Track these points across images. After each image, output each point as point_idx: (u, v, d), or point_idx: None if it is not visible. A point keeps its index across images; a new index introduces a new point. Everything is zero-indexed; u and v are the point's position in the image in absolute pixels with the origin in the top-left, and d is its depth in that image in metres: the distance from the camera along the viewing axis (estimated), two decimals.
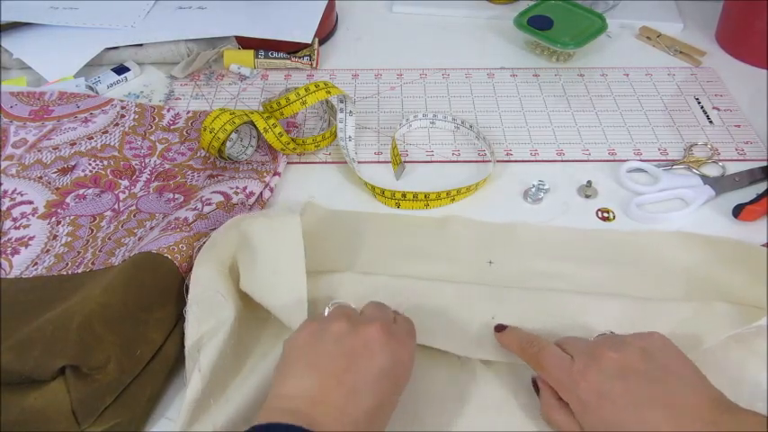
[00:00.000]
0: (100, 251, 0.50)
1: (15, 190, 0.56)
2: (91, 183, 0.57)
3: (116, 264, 0.48)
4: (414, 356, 0.38)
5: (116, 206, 0.55)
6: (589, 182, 0.57)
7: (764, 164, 0.59)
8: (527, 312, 0.45)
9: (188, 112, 0.66)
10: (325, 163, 0.61)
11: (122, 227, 0.53)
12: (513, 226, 0.53)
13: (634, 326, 0.41)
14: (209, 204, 0.52)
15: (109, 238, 0.52)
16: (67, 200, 0.55)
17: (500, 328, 0.43)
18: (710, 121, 0.65)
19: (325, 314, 0.40)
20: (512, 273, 0.50)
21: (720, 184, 0.57)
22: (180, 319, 0.44)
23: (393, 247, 0.52)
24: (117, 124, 0.63)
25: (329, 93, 0.58)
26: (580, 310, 0.46)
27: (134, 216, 0.54)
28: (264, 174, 0.57)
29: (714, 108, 0.67)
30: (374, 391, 0.35)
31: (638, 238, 0.52)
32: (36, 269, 0.49)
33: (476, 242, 0.52)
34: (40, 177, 0.57)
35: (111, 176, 0.58)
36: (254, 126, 0.58)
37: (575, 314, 0.45)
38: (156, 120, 0.64)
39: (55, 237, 0.52)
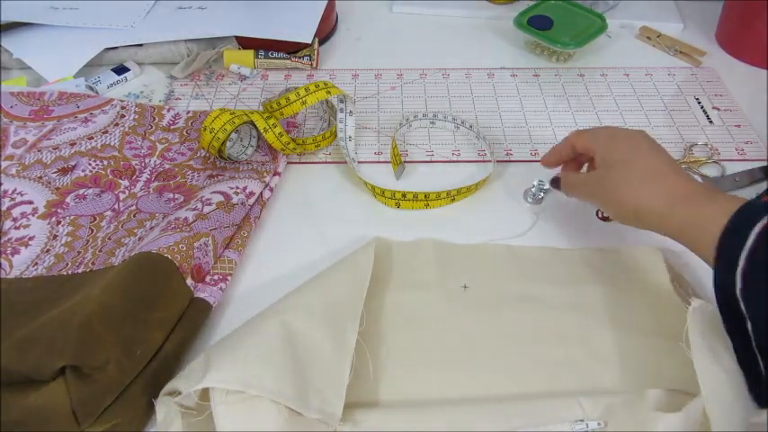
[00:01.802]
0: (100, 251, 0.50)
1: (15, 190, 0.56)
2: (91, 183, 0.57)
3: (116, 264, 0.48)
4: None
5: (116, 206, 0.55)
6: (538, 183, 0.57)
7: (764, 164, 0.59)
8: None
9: (188, 112, 0.66)
10: (326, 163, 0.61)
11: (122, 227, 0.53)
12: (484, 246, 0.52)
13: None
14: (209, 204, 0.52)
15: (109, 238, 0.52)
16: (67, 200, 0.55)
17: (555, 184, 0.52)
18: (710, 121, 0.65)
19: None
20: (487, 296, 0.48)
21: (720, 184, 0.57)
22: (180, 318, 0.44)
23: None
24: (117, 124, 0.63)
25: (329, 93, 0.58)
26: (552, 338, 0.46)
27: (134, 216, 0.54)
28: (264, 174, 0.57)
29: (714, 108, 0.67)
30: None
31: (610, 255, 0.51)
32: (36, 269, 0.49)
33: (448, 266, 0.50)
34: (40, 177, 0.57)
35: (111, 176, 0.58)
36: (254, 126, 0.58)
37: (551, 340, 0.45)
38: (156, 120, 0.64)
39: (55, 237, 0.52)
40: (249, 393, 0.36)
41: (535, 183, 0.56)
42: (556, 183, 0.52)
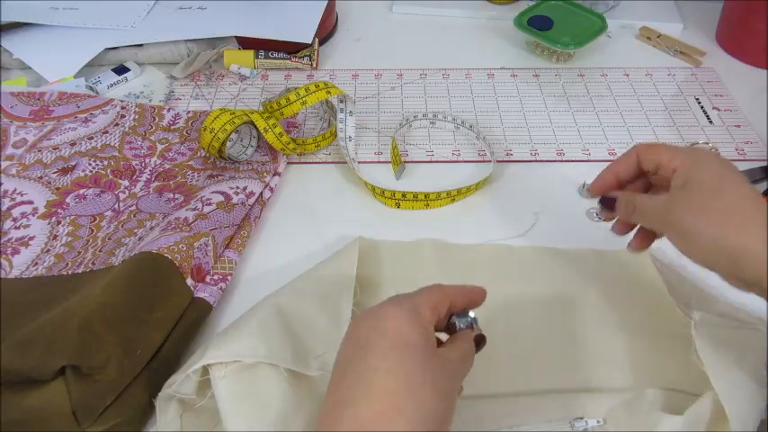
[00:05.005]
0: (100, 251, 0.50)
1: (15, 190, 0.56)
2: (91, 183, 0.57)
3: (116, 264, 0.48)
4: (406, 303, 0.33)
5: (116, 206, 0.55)
6: (585, 182, 0.57)
7: (764, 164, 0.59)
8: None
9: (188, 112, 0.66)
10: (325, 163, 0.61)
11: (122, 227, 0.53)
12: (484, 246, 0.52)
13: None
14: (210, 204, 0.52)
15: (109, 238, 0.52)
16: (68, 200, 0.55)
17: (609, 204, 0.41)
18: (710, 122, 0.65)
19: None
20: (487, 296, 0.49)
21: None
22: (180, 318, 0.44)
23: (358, 274, 0.47)
24: (117, 124, 0.63)
25: (329, 93, 0.58)
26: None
27: (134, 216, 0.54)
28: (265, 174, 0.57)
29: (714, 108, 0.67)
30: (357, 361, 0.31)
31: (609, 256, 0.51)
32: (36, 269, 0.49)
33: (448, 266, 0.50)
34: (41, 177, 0.57)
35: (111, 176, 0.58)
36: (254, 126, 0.58)
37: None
38: (157, 120, 0.64)
39: (55, 237, 0.52)
40: (246, 362, 0.37)
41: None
42: (609, 203, 0.42)
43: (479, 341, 0.36)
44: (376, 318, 0.33)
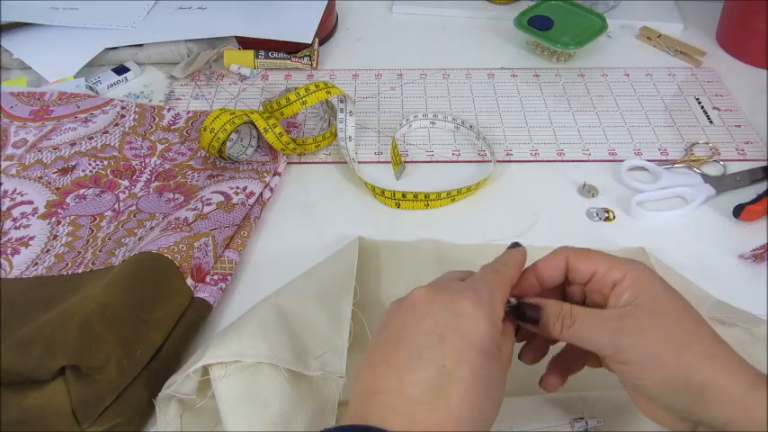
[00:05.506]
0: (100, 251, 0.50)
1: (15, 190, 0.56)
2: (91, 183, 0.57)
3: (116, 264, 0.48)
4: (487, 304, 0.31)
5: (116, 206, 0.55)
6: (585, 182, 0.57)
7: (765, 164, 0.59)
8: None
9: (188, 112, 0.66)
10: (325, 163, 0.61)
11: (122, 227, 0.53)
12: (484, 246, 0.52)
13: None
14: (210, 204, 0.52)
15: (109, 238, 0.52)
16: (68, 200, 0.55)
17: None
18: (711, 122, 0.65)
19: None
20: None
21: (721, 183, 0.57)
22: (180, 318, 0.44)
23: (358, 274, 0.47)
24: (117, 124, 0.63)
25: (329, 93, 0.58)
26: None
27: (134, 216, 0.54)
28: (265, 174, 0.57)
29: (714, 108, 0.67)
30: (430, 358, 0.30)
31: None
32: (36, 269, 0.49)
33: (448, 266, 0.49)
34: (41, 177, 0.57)
35: (111, 176, 0.58)
36: (254, 126, 0.58)
37: None
38: (157, 120, 0.64)
39: (55, 237, 0.52)
40: (246, 362, 0.37)
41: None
42: (529, 312, 0.34)
43: (518, 328, 0.36)
44: (456, 313, 0.31)
